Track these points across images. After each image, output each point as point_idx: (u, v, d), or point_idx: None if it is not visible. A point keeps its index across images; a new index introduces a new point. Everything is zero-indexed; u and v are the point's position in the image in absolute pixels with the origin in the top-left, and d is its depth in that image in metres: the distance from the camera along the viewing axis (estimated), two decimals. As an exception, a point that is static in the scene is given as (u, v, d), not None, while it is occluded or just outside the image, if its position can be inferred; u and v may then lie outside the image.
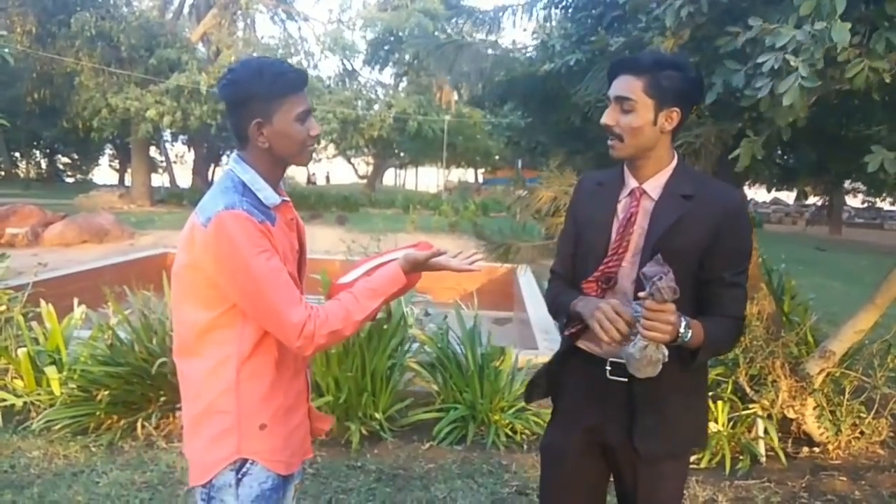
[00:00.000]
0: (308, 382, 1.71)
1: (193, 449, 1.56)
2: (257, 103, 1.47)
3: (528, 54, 4.69)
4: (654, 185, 1.65)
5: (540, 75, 3.66)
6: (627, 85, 1.57)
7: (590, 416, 1.73)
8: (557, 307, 1.77)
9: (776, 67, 2.20)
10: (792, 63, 2.15)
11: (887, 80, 2.28)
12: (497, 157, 35.08)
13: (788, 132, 2.57)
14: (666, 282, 1.37)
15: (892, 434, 3.92)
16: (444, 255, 1.64)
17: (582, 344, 1.74)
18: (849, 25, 2.06)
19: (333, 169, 51.07)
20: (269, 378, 1.53)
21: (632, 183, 1.68)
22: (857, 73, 2.21)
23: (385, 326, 4.02)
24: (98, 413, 3.75)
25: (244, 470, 1.52)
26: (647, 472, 1.69)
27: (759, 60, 2.25)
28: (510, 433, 3.89)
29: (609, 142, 1.63)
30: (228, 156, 1.57)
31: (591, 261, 1.66)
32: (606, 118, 1.61)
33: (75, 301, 4.91)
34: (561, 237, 1.87)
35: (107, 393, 3.73)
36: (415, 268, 1.60)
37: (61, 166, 39.57)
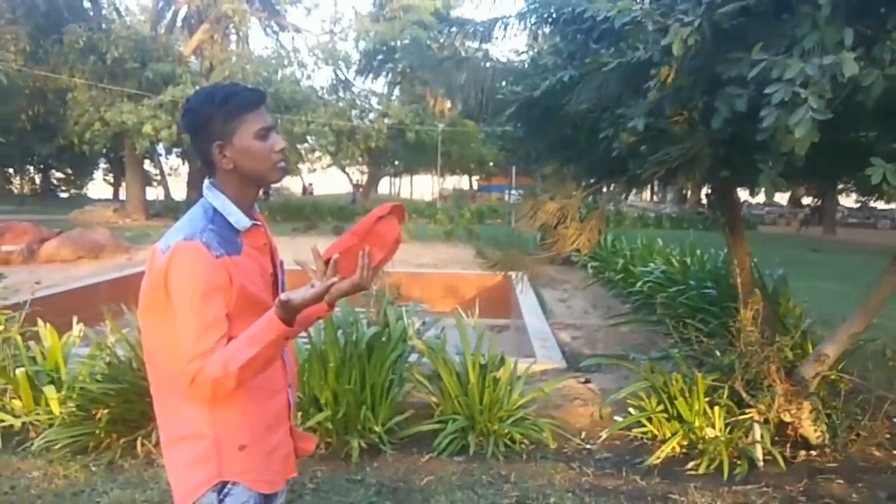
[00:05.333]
0: (290, 401, 1.70)
1: (173, 473, 1.58)
2: (214, 126, 1.50)
3: (520, 67, 4.72)
4: None
5: (535, 94, 3.69)
6: None
7: None
8: None
9: (786, 100, 2.20)
10: (802, 95, 2.15)
11: None
12: (492, 165, 35.17)
13: (804, 151, 2.51)
14: None
15: (888, 436, 3.94)
16: (312, 287, 1.39)
17: None
18: (853, 55, 2.09)
19: (328, 180, 51.02)
20: (242, 399, 1.52)
21: None
22: (872, 83, 2.20)
23: (384, 339, 4.03)
24: (97, 432, 3.75)
25: (226, 491, 1.53)
26: None
27: (767, 91, 2.24)
28: (509, 443, 3.90)
29: None
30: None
31: None
32: None
33: (74, 319, 4.91)
34: None
35: (106, 411, 3.73)
36: (287, 312, 1.38)
37: (55, 182, 39.55)
